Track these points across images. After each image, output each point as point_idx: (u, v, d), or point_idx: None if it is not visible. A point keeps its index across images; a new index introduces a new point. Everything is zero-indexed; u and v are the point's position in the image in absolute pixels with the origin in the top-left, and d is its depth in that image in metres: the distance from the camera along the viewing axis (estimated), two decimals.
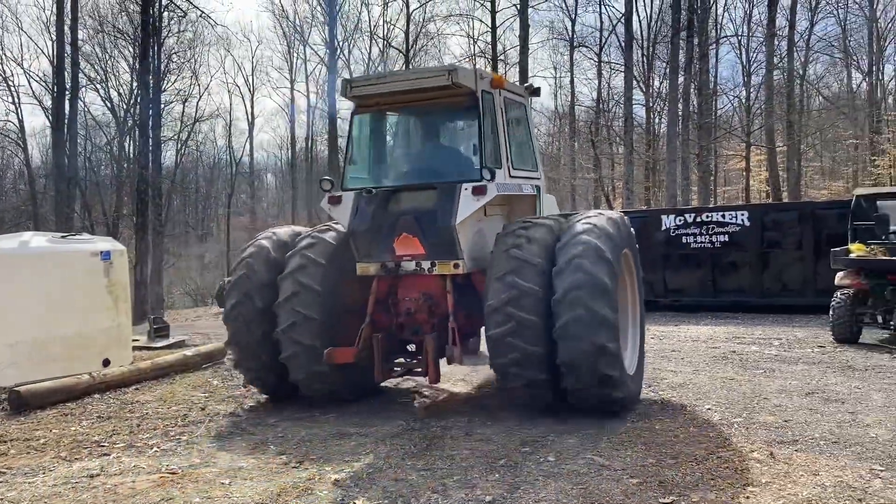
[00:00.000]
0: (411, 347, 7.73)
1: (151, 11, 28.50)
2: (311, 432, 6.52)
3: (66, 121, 27.91)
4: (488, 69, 38.71)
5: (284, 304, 7.13)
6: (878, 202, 10.56)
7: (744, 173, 38.35)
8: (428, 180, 7.31)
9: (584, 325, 6.19)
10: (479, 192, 6.74)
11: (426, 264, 6.96)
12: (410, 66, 42.66)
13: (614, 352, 6.29)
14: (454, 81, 6.85)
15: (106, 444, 6.34)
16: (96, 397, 8.18)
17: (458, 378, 8.60)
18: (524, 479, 5.14)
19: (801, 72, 37.80)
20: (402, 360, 7.57)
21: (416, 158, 7.98)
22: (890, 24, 44.67)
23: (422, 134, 8.12)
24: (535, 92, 8.63)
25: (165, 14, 31.85)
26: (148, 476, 5.42)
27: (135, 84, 36.67)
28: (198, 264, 53.59)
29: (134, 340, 12.21)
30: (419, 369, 7.31)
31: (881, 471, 5.06)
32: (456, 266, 6.92)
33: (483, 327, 7.21)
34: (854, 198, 10.47)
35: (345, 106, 48.81)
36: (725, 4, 52.05)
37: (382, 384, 8.02)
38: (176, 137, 48.40)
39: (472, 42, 44.40)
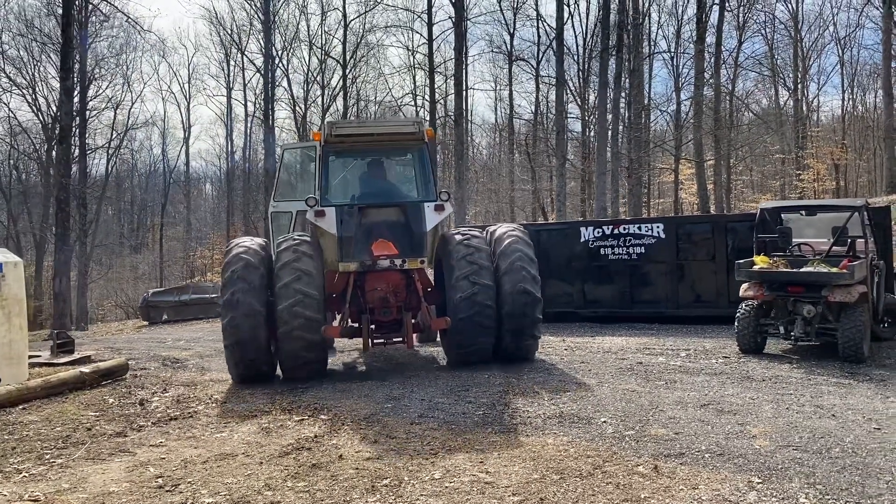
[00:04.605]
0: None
1: (77, 16, 27.70)
2: (195, 453, 6.28)
3: None
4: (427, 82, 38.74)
5: (287, 286, 8.71)
6: (782, 215, 10.80)
7: (675, 187, 39.23)
8: (395, 200, 9.90)
9: (527, 283, 9.30)
10: (439, 209, 9.53)
11: (398, 261, 9.23)
12: (348, 77, 42.46)
13: (540, 301, 9.48)
14: (419, 129, 9.75)
15: None
16: None
17: (364, 394, 8.45)
18: (405, 498, 5.02)
19: (729, 87, 38.94)
20: (377, 334, 9.66)
21: (382, 184, 10.33)
22: (813, 45, 46.53)
23: (384, 166, 10.54)
24: None
25: (92, 18, 31.07)
26: None
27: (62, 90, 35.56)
28: (131, 275, 52.06)
29: (36, 356, 11.72)
30: (399, 339, 9.53)
31: (758, 483, 5.10)
32: (422, 262, 9.42)
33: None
34: (759, 211, 10.68)
35: (281, 115, 48.34)
36: (659, 21, 53.53)
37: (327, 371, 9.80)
38: (107, 146, 47.08)
39: (410, 53, 44.54)
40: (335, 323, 10.08)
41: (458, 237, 9.63)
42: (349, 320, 9.69)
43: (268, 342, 9.07)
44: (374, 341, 9.64)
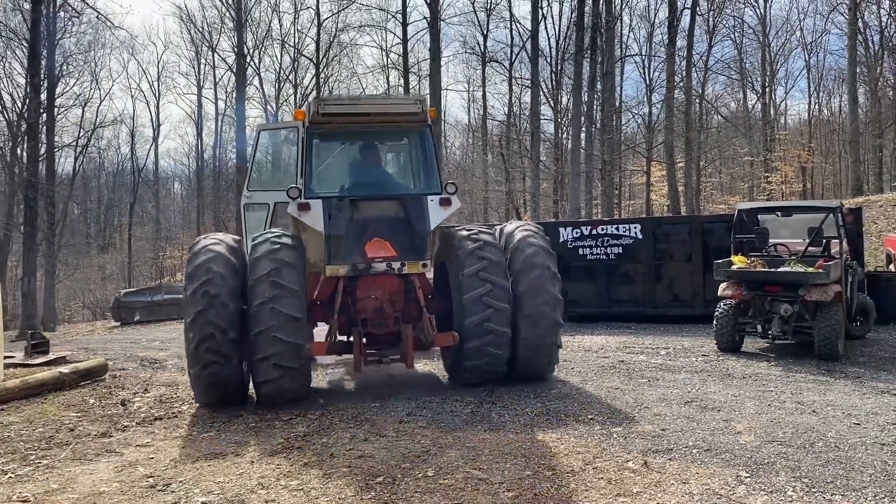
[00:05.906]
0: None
1: (46, 11, 27.23)
2: (184, 452, 6.23)
3: None
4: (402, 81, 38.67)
5: (264, 306, 7.33)
6: (759, 216, 11.02)
7: (646, 188, 39.70)
8: (393, 192, 8.49)
9: (548, 306, 8.07)
10: (444, 203, 8.09)
11: (396, 265, 7.88)
12: (321, 76, 42.27)
13: (561, 325, 8.37)
14: (422, 109, 8.23)
15: None
16: None
17: (351, 392, 8.44)
18: (400, 495, 5.04)
19: (699, 91, 39.50)
20: (372, 350, 8.26)
21: (377, 173, 8.86)
22: (780, 49, 47.42)
23: (380, 152, 9.15)
24: None
25: (61, 13, 30.57)
26: None
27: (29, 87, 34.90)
28: (98, 276, 51.27)
29: (10, 357, 11.50)
30: (396, 356, 8.10)
31: (746, 477, 5.22)
32: (424, 266, 8.05)
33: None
34: (736, 212, 10.89)
35: (252, 114, 47.93)
36: (631, 25, 54.07)
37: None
38: (75, 144, 46.36)
39: (384, 53, 44.53)
40: (319, 335, 8.62)
41: (469, 244, 8.15)
42: (337, 333, 8.26)
43: (240, 362, 7.72)
44: (368, 358, 8.19)
